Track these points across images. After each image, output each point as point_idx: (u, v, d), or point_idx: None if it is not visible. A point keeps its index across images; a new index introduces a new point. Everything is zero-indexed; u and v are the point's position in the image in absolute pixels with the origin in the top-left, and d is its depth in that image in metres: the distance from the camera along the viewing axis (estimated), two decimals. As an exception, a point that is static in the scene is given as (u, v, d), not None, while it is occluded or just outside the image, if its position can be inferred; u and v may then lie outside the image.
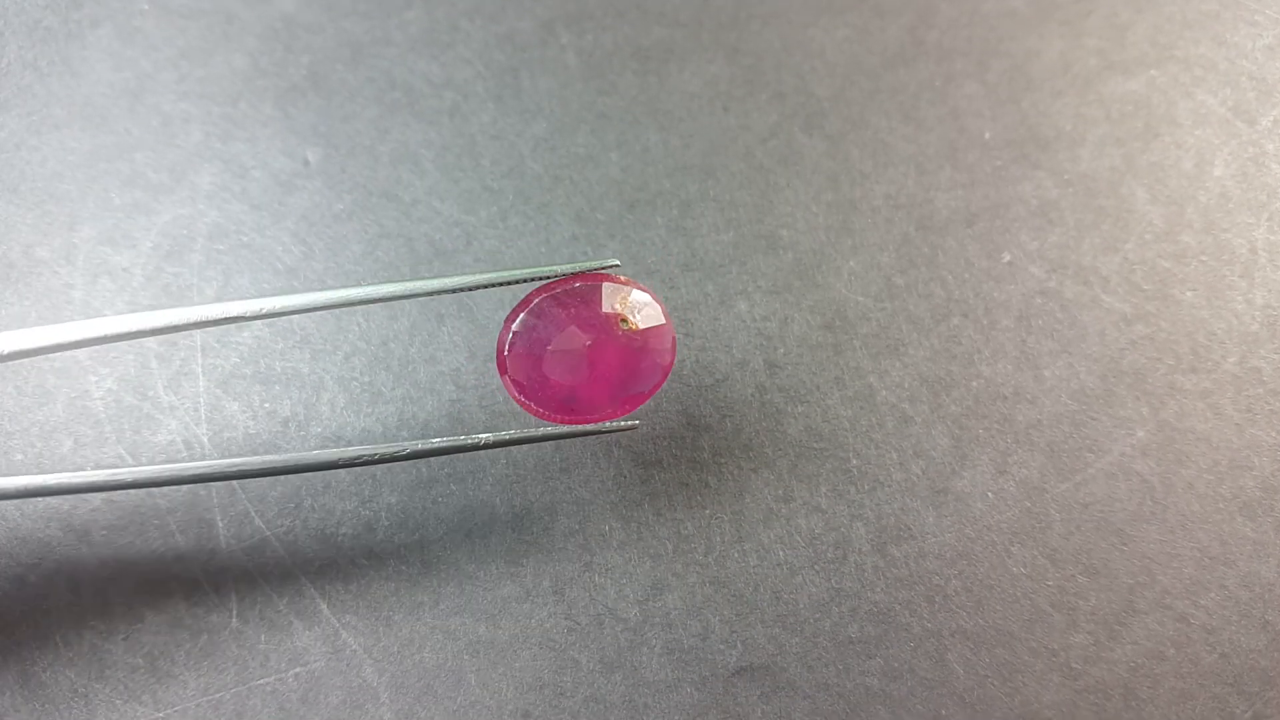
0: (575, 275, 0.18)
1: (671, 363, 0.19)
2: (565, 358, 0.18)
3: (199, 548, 0.20)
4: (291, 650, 0.19)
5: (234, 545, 0.20)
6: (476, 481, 0.20)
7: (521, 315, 0.18)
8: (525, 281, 0.18)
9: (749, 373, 0.21)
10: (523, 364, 0.18)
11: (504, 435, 0.18)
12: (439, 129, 0.23)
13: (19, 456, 0.20)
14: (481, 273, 0.18)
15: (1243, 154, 0.23)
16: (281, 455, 0.18)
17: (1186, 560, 0.20)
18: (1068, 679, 0.19)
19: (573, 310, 0.18)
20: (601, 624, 0.19)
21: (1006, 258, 0.22)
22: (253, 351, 0.21)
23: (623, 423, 0.19)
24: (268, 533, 0.20)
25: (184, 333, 0.21)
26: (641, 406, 0.21)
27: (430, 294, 0.18)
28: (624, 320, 0.18)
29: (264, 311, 0.18)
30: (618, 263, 0.19)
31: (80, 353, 0.21)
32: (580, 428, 0.19)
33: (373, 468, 0.20)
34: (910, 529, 0.20)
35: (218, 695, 0.19)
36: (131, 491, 0.20)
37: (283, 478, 0.20)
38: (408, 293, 0.18)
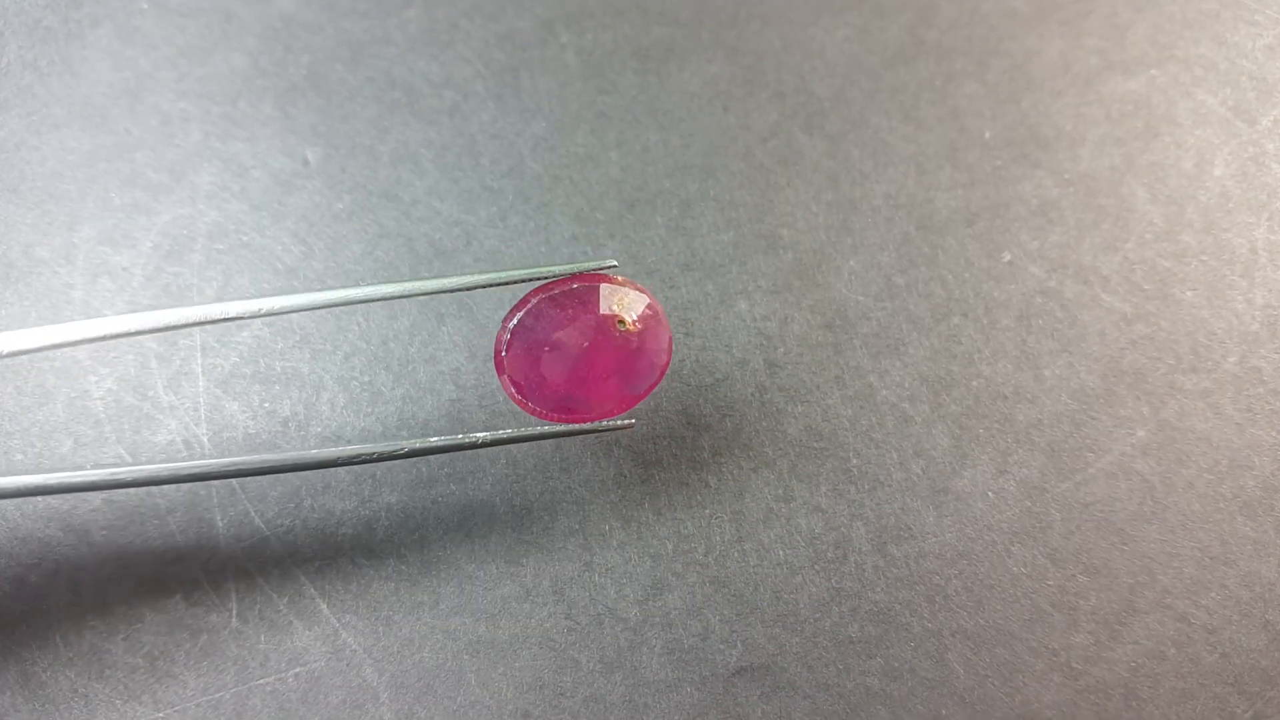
0: (573, 276, 0.18)
1: (667, 363, 0.19)
2: (562, 358, 0.18)
3: (199, 548, 0.20)
4: (291, 650, 0.19)
5: (234, 545, 0.20)
6: (476, 481, 0.20)
7: (519, 315, 0.18)
8: (523, 282, 0.18)
9: (749, 372, 0.21)
10: (520, 364, 0.18)
11: (501, 434, 0.18)
12: (439, 128, 0.23)
13: (19, 456, 0.20)
14: (480, 273, 0.18)
15: (1243, 154, 0.23)
16: (280, 454, 0.18)
17: (1187, 560, 0.20)
18: (1068, 679, 0.19)
19: (570, 311, 0.18)
20: (601, 624, 0.19)
21: (1007, 257, 0.22)
22: (252, 351, 0.21)
23: (619, 421, 0.19)
24: (268, 533, 0.20)
25: (184, 333, 0.21)
26: (640, 405, 0.21)
27: (429, 294, 0.18)
28: (621, 321, 0.18)
29: (263, 311, 0.18)
30: (615, 263, 0.19)
31: (80, 353, 0.21)
32: (577, 426, 0.19)
33: (372, 468, 0.20)
34: (910, 529, 0.20)
35: (218, 695, 0.19)
36: (131, 491, 0.20)
37: (282, 477, 0.20)
38: (406, 293, 0.18)
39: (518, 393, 0.18)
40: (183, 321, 0.17)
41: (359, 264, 0.22)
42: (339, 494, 0.20)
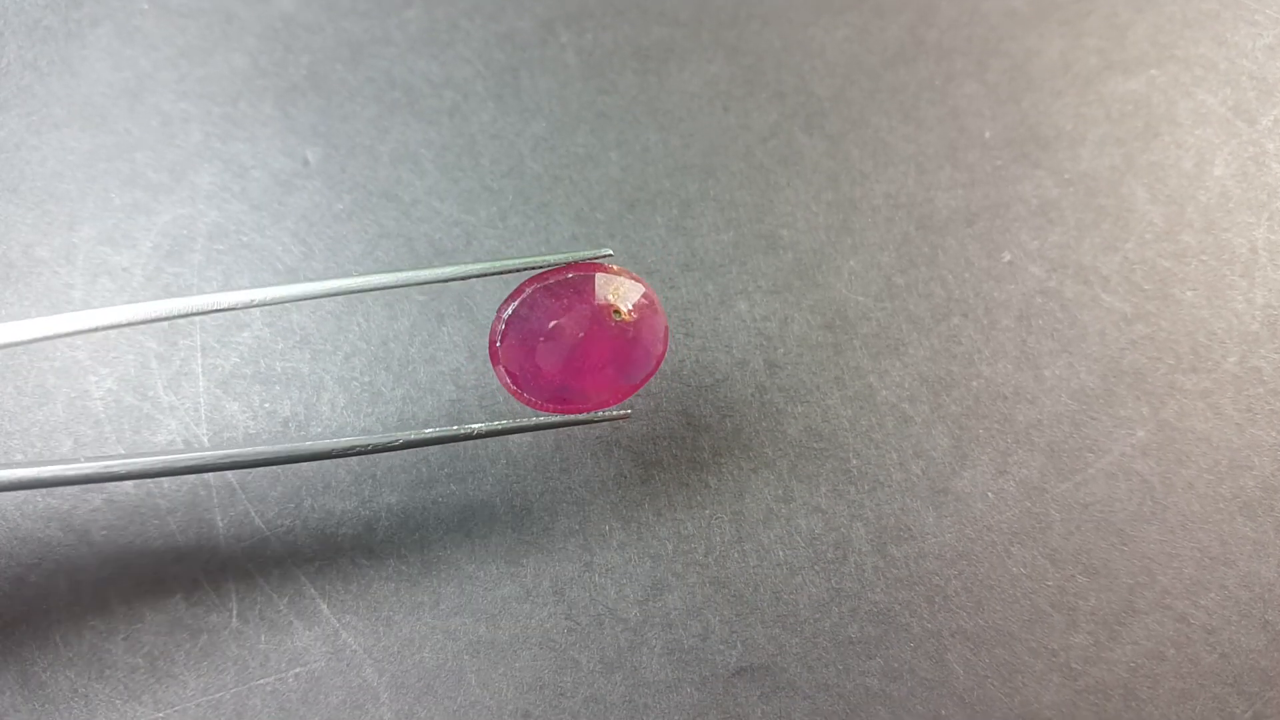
0: (568, 265, 0.18)
1: (663, 352, 0.19)
2: (558, 348, 0.18)
3: (199, 548, 0.20)
4: (291, 650, 0.19)
5: (234, 545, 0.20)
6: (476, 481, 0.20)
7: (514, 305, 0.18)
8: (518, 271, 0.18)
9: (749, 373, 0.21)
10: (515, 354, 0.18)
11: (496, 425, 0.18)
12: (439, 128, 0.23)
13: (19, 457, 0.20)
14: (474, 263, 0.18)
15: (1243, 153, 0.23)
16: (275, 445, 0.17)
17: (1187, 560, 0.20)
18: (1068, 679, 0.19)
19: (565, 300, 0.18)
20: (601, 624, 0.19)
21: (1007, 257, 0.22)
22: (253, 351, 0.21)
23: (615, 411, 0.19)
24: (268, 533, 0.20)
25: (184, 334, 0.21)
26: (640, 405, 0.21)
27: (422, 284, 0.18)
28: (616, 311, 0.18)
29: (255, 301, 0.17)
30: (610, 252, 0.18)
31: (80, 352, 0.21)
32: (573, 417, 0.19)
33: (372, 468, 0.20)
34: (910, 529, 0.20)
35: (218, 695, 0.19)
36: (131, 491, 0.20)
37: (282, 477, 0.20)
38: (399, 283, 0.18)
39: (513, 383, 0.18)
40: (173, 313, 0.17)
41: (359, 264, 0.22)
42: (339, 494, 0.20)
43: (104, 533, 0.20)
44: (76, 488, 0.20)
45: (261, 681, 0.19)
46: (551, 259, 0.18)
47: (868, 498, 0.20)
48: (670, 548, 0.20)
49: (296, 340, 0.21)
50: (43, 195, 0.22)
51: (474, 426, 0.18)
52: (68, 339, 0.21)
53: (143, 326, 0.21)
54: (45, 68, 0.23)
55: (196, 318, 0.21)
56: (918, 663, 0.19)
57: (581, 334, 0.18)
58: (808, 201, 0.23)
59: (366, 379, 0.21)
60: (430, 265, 0.22)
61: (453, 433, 0.18)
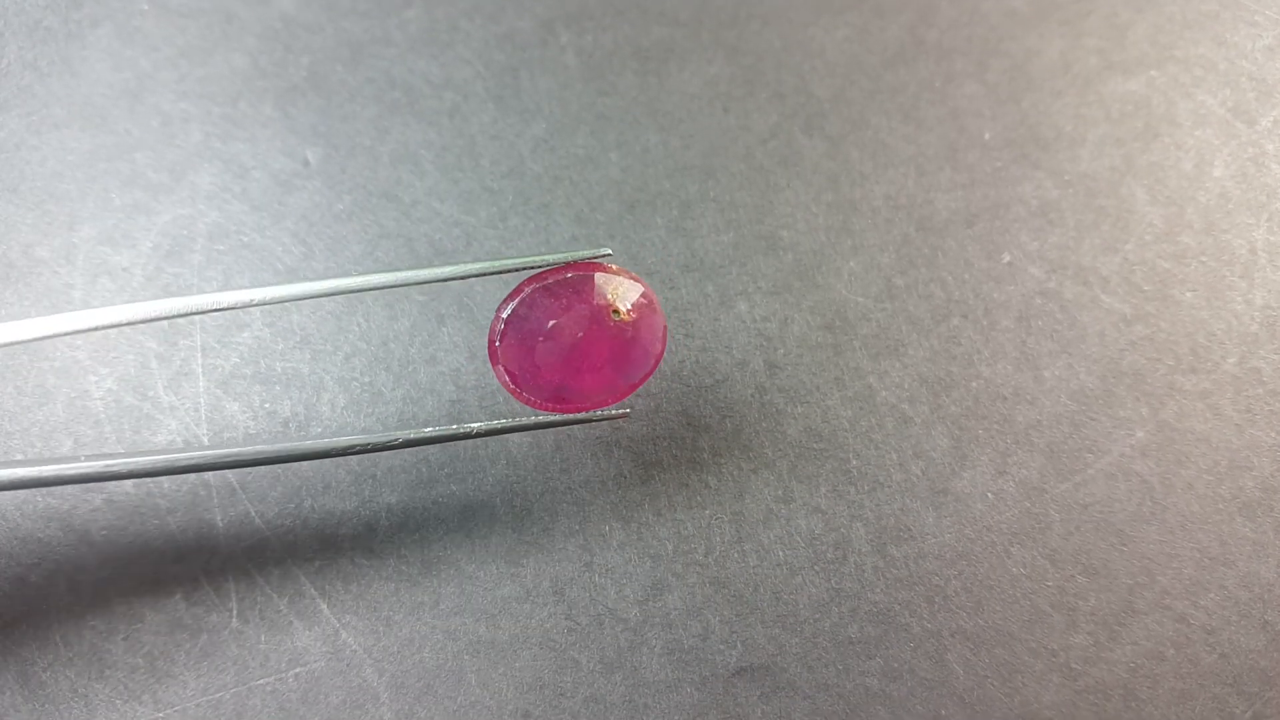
0: (567, 265, 0.18)
1: (662, 351, 0.19)
2: (557, 348, 0.18)
3: (199, 548, 0.20)
4: (291, 650, 0.19)
5: (234, 545, 0.20)
6: (476, 482, 0.20)
7: (513, 305, 0.18)
8: (517, 270, 0.18)
9: (749, 373, 0.21)
10: (514, 354, 0.18)
11: (495, 424, 0.18)
12: (439, 129, 0.23)
13: (19, 457, 0.20)
14: (474, 262, 0.18)
15: (1242, 154, 0.23)
16: (275, 445, 0.17)
17: (1186, 561, 0.20)
18: (1067, 679, 0.19)
19: (564, 300, 0.18)
20: (601, 624, 0.19)
21: (1006, 258, 0.22)
22: (253, 352, 0.21)
23: (614, 410, 0.19)
24: (268, 533, 0.20)
25: (184, 334, 0.21)
26: (640, 406, 0.21)
27: (422, 283, 0.18)
28: (615, 311, 0.18)
29: (254, 301, 0.17)
30: (609, 252, 0.18)
31: (80, 352, 0.21)
32: (572, 416, 0.19)
33: (373, 468, 0.20)
34: (910, 529, 0.20)
35: (218, 695, 0.19)
36: (131, 491, 0.20)
37: (282, 477, 0.20)
38: (399, 282, 0.18)
39: (512, 382, 0.18)
40: (174, 312, 0.17)
41: (359, 264, 0.22)
42: (339, 494, 0.20)
43: (104, 533, 0.20)
44: (76, 488, 0.20)
45: (261, 681, 0.19)
46: (551, 258, 0.18)
47: (867, 498, 0.20)
48: (670, 548, 0.20)
49: (297, 340, 0.21)
50: (43, 195, 0.22)
51: (473, 426, 0.18)
52: (68, 339, 0.21)
53: (143, 326, 0.21)
54: (45, 68, 0.23)
55: (196, 317, 0.21)
56: (918, 663, 0.19)
57: (580, 334, 0.18)
58: (808, 202, 0.23)
59: (367, 379, 0.21)
60: (430, 265, 0.22)
61: (452, 432, 0.18)
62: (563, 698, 0.19)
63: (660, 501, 0.20)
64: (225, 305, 0.17)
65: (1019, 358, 0.21)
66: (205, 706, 0.19)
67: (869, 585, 0.20)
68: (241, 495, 0.20)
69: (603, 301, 0.18)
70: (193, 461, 0.17)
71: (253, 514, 0.20)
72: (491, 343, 0.18)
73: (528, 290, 0.18)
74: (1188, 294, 0.22)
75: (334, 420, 0.21)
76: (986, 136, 0.23)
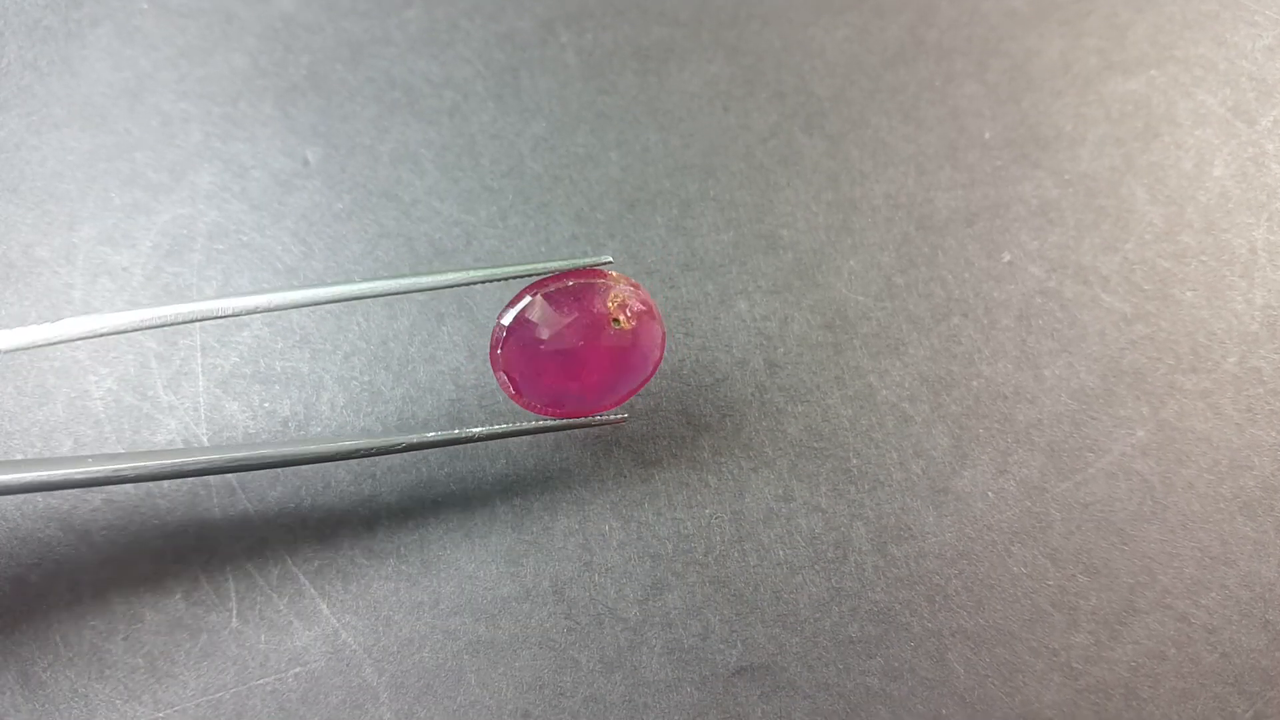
0: (568, 272, 0.18)
1: (660, 358, 0.19)
2: (557, 355, 0.18)
3: (199, 548, 0.20)
4: (291, 650, 0.19)
5: (234, 545, 0.20)
6: (476, 481, 0.20)
7: (514, 311, 0.18)
8: (519, 278, 0.18)
9: (749, 372, 0.21)
10: (515, 360, 0.18)
11: (496, 429, 0.19)
12: (439, 128, 0.23)
13: (19, 456, 0.20)
14: (475, 269, 0.18)
15: (1242, 154, 0.23)
16: (279, 448, 0.18)
17: (1187, 560, 0.20)
18: (1068, 679, 0.19)
19: (565, 307, 0.18)
20: (601, 624, 0.19)
21: (1006, 257, 0.22)
22: (252, 351, 0.21)
23: (612, 415, 0.19)
24: (267, 532, 0.20)
25: (184, 333, 0.21)
26: (640, 405, 0.21)
27: (424, 290, 0.18)
28: (616, 320, 0.18)
29: (260, 307, 0.18)
30: (610, 259, 0.19)
31: (80, 352, 0.21)
32: (571, 421, 0.19)
33: (372, 467, 0.20)
34: (910, 528, 0.20)
35: (218, 695, 0.19)
36: (131, 491, 0.20)
37: (282, 477, 0.20)
38: (402, 289, 0.18)
39: (513, 388, 0.18)
40: (179, 318, 0.17)
41: (359, 264, 0.22)
42: (339, 494, 0.20)
43: (104, 533, 0.20)
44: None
45: (261, 681, 0.19)
46: (552, 265, 0.18)
47: (868, 497, 0.20)
48: (670, 547, 0.20)
49: (296, 340, 0.21)
50: (43, 195, 0.22)
51: (474, 430, 0.18)
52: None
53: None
54: (45, 68, 0.23)
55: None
56: (918, 662, 0.19)
57: (581, 341, 0.18)
58: (808, 201, 0.23)
59: (366, 378, 0.21)
60: (430, 264, 0.22)
61: (453, 436, 0.18)
62: (562, 697, 0.19)
63: (660, 500, 0.20)
64: (229, 312, 0.17)
65: (1019, 357, 0.21)
66: (205, 706, 0.19)
67: (869, 584, 0.20)
68: (241, 495, 0.20)
69: (603, 310, 0.18)
70: (198, 465, 0.17)
71: (252, 513, 0.20)
72: (493, 349, 0.18)
73: (529, 297, 0.18)
74: (1188, 293, 0.22)
75: (333, 419, 0.21)
76: (986, 136, 0.23)
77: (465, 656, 0.19)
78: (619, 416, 0.19)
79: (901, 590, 0.20)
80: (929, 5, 0.24)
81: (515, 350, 0.18)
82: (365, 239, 0.22)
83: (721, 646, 0.19)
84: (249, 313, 0.18)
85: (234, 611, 0.19)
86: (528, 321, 0.18)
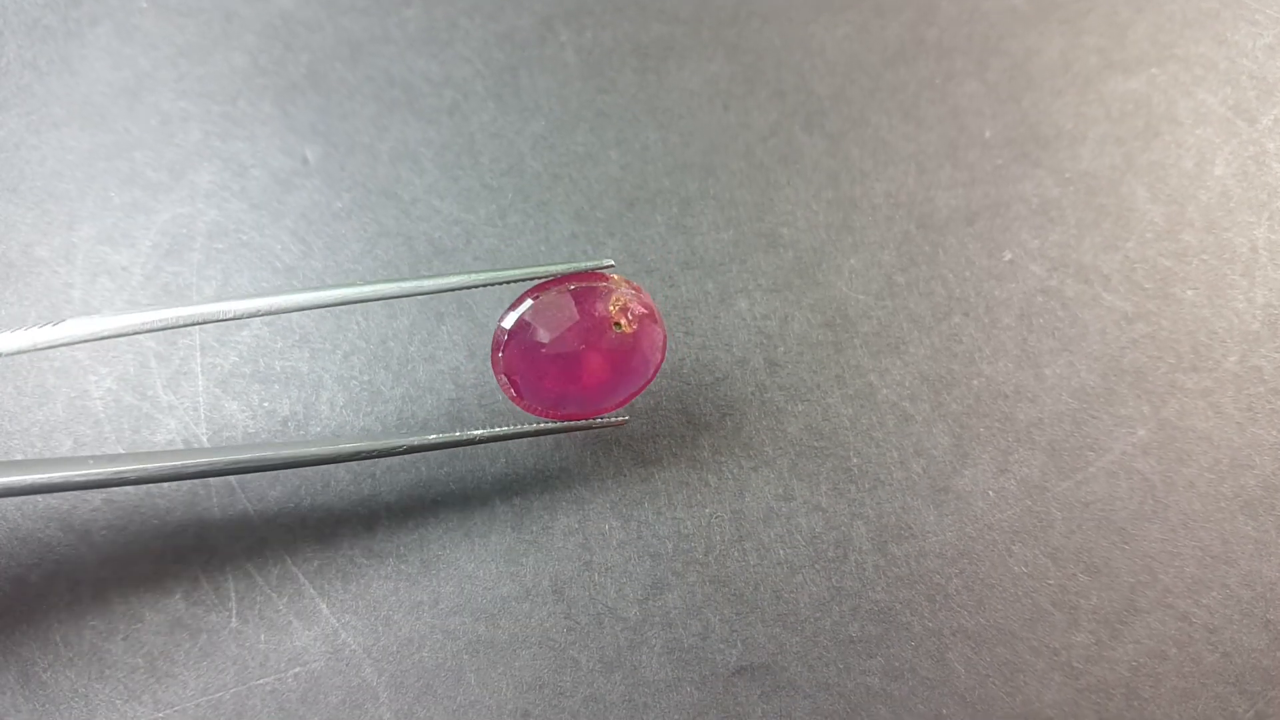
0: (569, 275, 0.18)
1: (661, 361, 0.19)
2: (558, 358, 0.18)
3: (199, 548, 0.20)
4: (291, 650, 0.19)
5: (234, 545, 0.20)
6: (476, 481, 0.20)
7: (515, 315, 0.18)
8: (520, 281, 0.18)
9: (749, 371, 0.21)
10: (517, 363, 0.18)
11: (497, 431, 0.19)
12: (438, 127, 0.23)
13: (19, 456, 0.20)
14: (477, 272, 0.18)
15: (1243, 153, 0.23)
16: (281, 450, 0.18)
17: (1188, 559, 0.20)
18: (1069, 678, 0.19)
19: (567, 311, 0.18)
20: (601, 623, 0.19)
21: (1007, 256, 0.22)
22: (252, 350, 0.21)
23: (613, 418, 0.19)
24: (267, 532, 0.20)
25: (183, 333, 0.21)
26: (640, 404, 0.21)
27: (426, 294, 0.18)
28: (617, 323, 0.18)
29: (261, 310, 0.18)
30: (612, 262, 0.19)
31: (80, 352, 0.21)
32: (572, 424, 0.19)
33: (372, 467, 0.20)
34: (911, 528, 0.20)
35: (218, 695, 0.19)
36: (131, 491, 0.20)
37: (282, 477, 0.20)
38: (403, 293, 0.18)
39: (514, 391, 0.19)
40: (180, 321, 0.17)
41: (358, 262, 0.22)
42: (339, 493, 0.20)
43: (104, 533, 0.20)
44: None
45: (261, 681, 0.19)
46: (554, 269, 0.18)
47: (868, 496, 0.20)
48: (670, 546, 0.20)
49: (295, 339, 0.21)
50: (42, 194, 0.22)
51: (475, 433, 0.19)
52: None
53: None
54: (44, 67, 0.23)
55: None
56: (919, 661, 0.19)
57: (582, 345, 0.18)
58: (808, 200, 0.23)
59: (366, 378, 0.21)
60: (429, 263, 0.22)
61: (455, 438, 0.18)
62: (562, 697, 0.19)
63: (660, 500, 0.20)
64: (231, 315, 0.18)
65: (1020, 355, 0.21)
66: (205, 706, 0.19)
67: (870, 584, 0.20)
68: (240, 494, 0.20)
69: (604, 313, 0.18)
70: (200, 468, 0.17)
71: (252, 513, 0.20)
72: (494, 352, 0.18)
73: (530, 300, 0.18)
74: (1189, 292, 0.22)
75: (333, 419, 0.21)
76: (987, 134, 0.23)
77: (465, 656, 0.19)
78: (620, 419, 0.19)
79: (902, 589, 0.20)
80: (929, 4, 0.24)
81: (516, 353, 0.18)
82: (364, 238, 0.22)
83: (721, 646, 0.19)
84: (251, 315, 0.18)
85: (234, 611, 0.19)
86: (529, 325, 0.18)
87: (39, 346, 0.17)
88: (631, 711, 0.19)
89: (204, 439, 0.20)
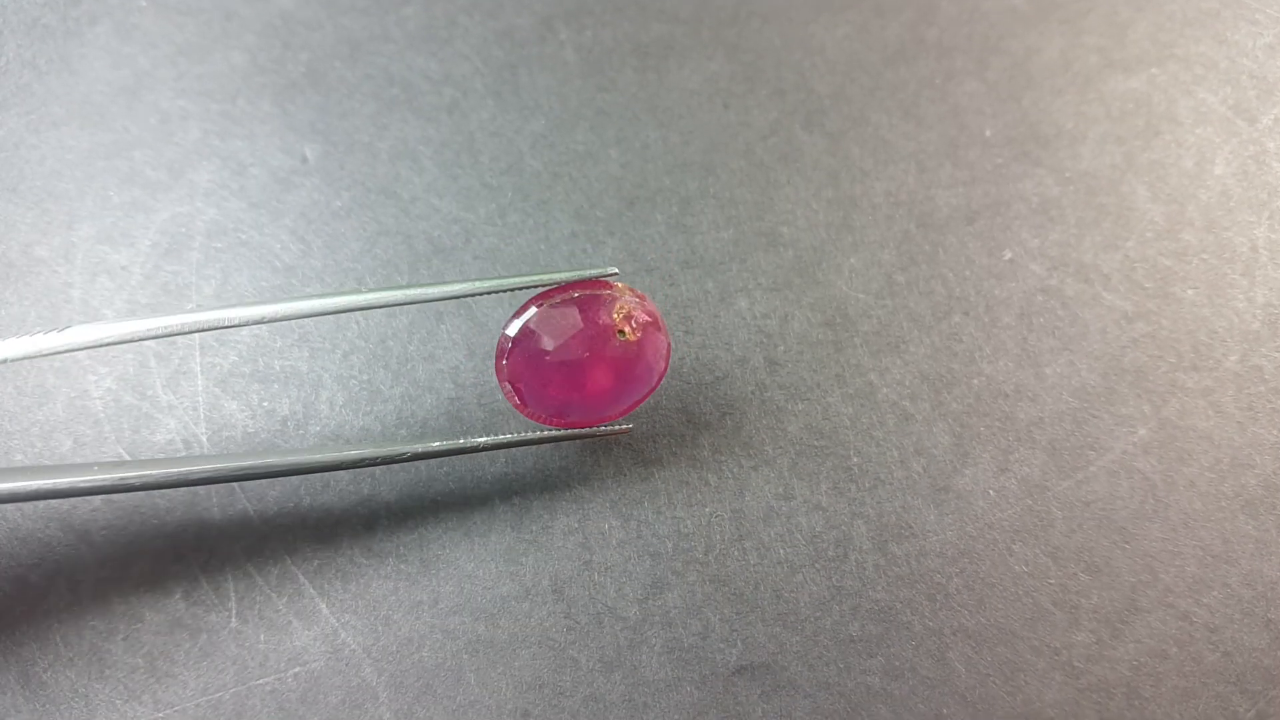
0: (573, 283, 0.18)
1: (665, 370, 0.19)
2: (562, 366, 0.18)
3: (198, 548, 0.20)
4: (291, 650, 0.19)
5: (233, 545, 0.20)
6: (475, 480, 0.20)
7: (520, 322, 0.18)
8: (524, 288, 0.18)
9: (749, 370, 0.21)
10: (521, 370, 0.18)
11: (501, 439, 0.19)
12: (437, 126, 0.23)
13: (19, 456, 0.20)
14: (481, 279, 0.19)
15: (1243, 152, 0.23)
16: (285, 457, 0.18)
17: (1189, 558, 0.20)
18: (1070, 677, 0.19)
19: (571, 319, 0.18)
20: (601, 623, 0.19)
21: (1007, 255, 0.22)
22: (251, 350, 0.21)
23: (617, 426, 0.20)
24: (267, 532, 0.20)
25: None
26: (639, 406, 0.21)
27: (430, 301, 0.18)
28: (621, 331, 0.18)
29: (266, 317, 0.18)
30: (615, 270, 0.19)
31: (80, 352, 0.21)
32: (575, 431, 0.19)
33: (372, 467, 0.20)
34: (911, 527, 0.20)
35: (217, 695, 0.19)
36: (131, 492, 0.20)
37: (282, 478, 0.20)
38: (407, 300, 0.18)
39: (518, 398, 0.19)
40: (183, 328, 0.17)
41: (357, 261, 0.22)
42: (338, 493, 0.20)
43: (104, 533, 0.20)
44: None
45: (261, 681, 0.19)
46: (558, 277, 0.18)
47: (869, 495, 0.20)
48: (670, 546, 0.20)
49: (295, 339, 0.21)
50: (41, 194, 0.22)
51: (478, 440, 0.19)
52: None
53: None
54: (44, 66, 0.23)
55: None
56: (919, 661, 0.19)
57: (586, 352, 0.18)
58: (808, 199, 0.22)
59: (365, 377, 0.21)
60: (429, 262, 0.22)
61: (458, 446, 0.19)
62: (562, 697, 0.19)
63: (660, 499, 0.20)
64: (236, 321, 0.18)
65: (1020, 355, 0.21)
66: (205, 706, 0.19)
67: (870, 583, 0.20)
68: (240, 494, 0.20)
69: (608, 321, 0.18)
70: (204, 474, 0.17)
71: (251, 513, 0.20)
72: (498, 359, 0.18)
73: (534, 308, 0.18)
74: (1189, 291, 0.22)
75: (332, 418, 0.21)
76: (987, 134, 0.23)
77: (464, 656, 0.19)
78: (623, 427, 0.20)
79: (902, 589, 0.20)
80: (929, 3, 0.24)
81: (520, 361, 0.18)
82: (364, 236, 0.22)
83: (721, 645, 0.19)
84: (254, 323, 0.18)
85: (233, 611, 0.19)
86: (533, 332, 0.18)
87: (44, 353, 0.17)
88: (631, 711, 0.19)
89: (203, 438, 0.20)
